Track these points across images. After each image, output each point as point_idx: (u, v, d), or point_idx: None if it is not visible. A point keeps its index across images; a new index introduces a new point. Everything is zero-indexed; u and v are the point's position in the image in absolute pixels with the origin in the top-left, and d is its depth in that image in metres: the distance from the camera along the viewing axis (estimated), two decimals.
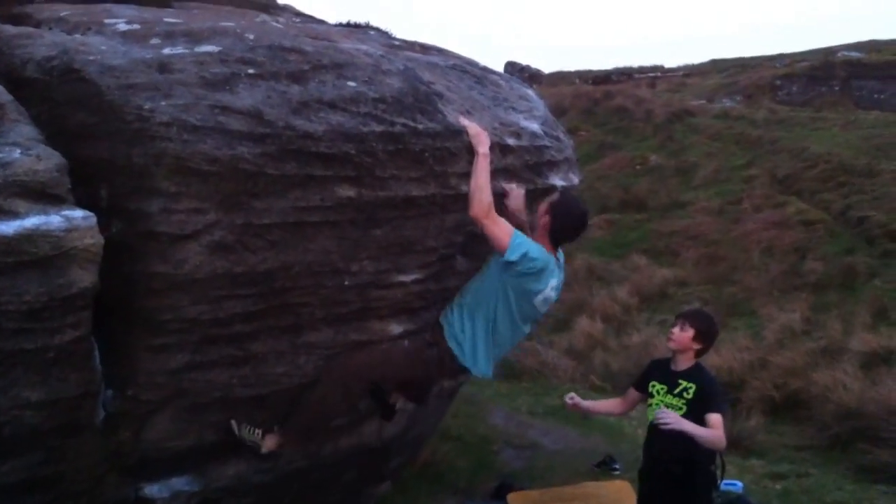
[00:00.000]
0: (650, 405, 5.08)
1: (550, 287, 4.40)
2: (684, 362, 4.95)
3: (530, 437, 8.81)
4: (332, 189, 3.79)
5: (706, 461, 5.00)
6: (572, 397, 5.39)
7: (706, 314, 5.31)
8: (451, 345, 4.40)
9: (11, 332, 3.07)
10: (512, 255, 4.15)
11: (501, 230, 4.16)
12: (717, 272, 17.43)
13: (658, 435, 4.98)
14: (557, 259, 4.48)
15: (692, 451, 4.86)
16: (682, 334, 4.93)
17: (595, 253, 19.59)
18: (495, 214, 4.18)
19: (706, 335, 4.96)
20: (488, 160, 4.25)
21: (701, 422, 4.74)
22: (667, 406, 4.88)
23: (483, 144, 4.27)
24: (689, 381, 4.88)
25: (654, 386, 5.07)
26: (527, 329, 4.60)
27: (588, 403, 5.50)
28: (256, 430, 4.26)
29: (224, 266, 3.59)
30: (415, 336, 4.57)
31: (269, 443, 4.31)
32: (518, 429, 9.10)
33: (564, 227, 4.43)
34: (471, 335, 4.40)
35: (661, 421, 4.60)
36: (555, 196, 4.55)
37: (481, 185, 4.16)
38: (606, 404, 5.66)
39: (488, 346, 4.43)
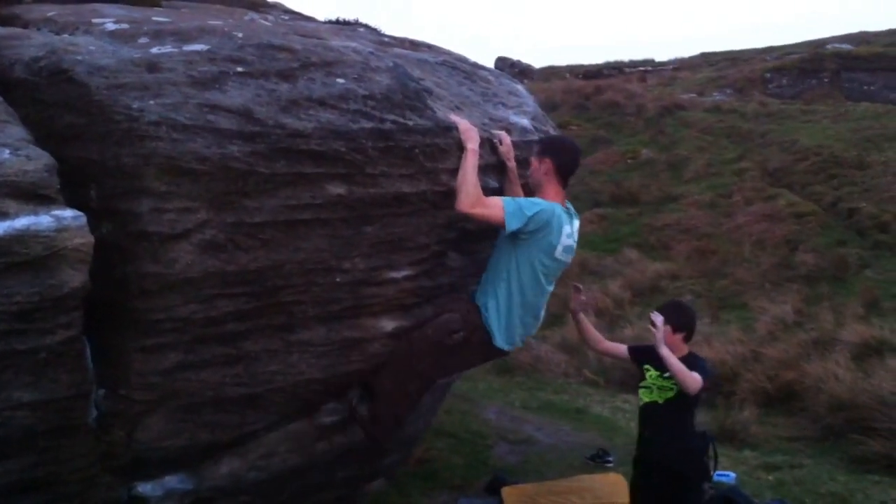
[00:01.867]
0: (642, 387, 5.18)
1: (566, 235, 4.42)
2: (676, 353, 5.00)
3: (524, 432, 8.82)
4: (323, 187, 3.80)
5: (697, 450, 5.06)
6: (578, 289, 5.47)
7: (677, 304, 5.56)
8: (493, 327, 4.47)
9: (2, 333, 3.06)
10: (513, 224, 4.21)
11: (492, 209, 4.22)
12: (708, 265, 17.47)
13: (648, 420, 5.06)
14: (567, 207, 4.52)
15: (682, 437, 4.93)
16: (665, 328, 5.02)
17: (587, 247, 19.59)
18: (483, 199, 4.21)
19: (682, 325, 5.10)
20: (476, 156, 4.28)
21: (690, 402, 5.00)
22: (658, 388, 5.03)
23: (472, 140, 4.29)
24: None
25: (648, 370, 5.20)
26: (551, 287, 4.61)
27: (584, 320, 5.56)
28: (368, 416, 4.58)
29: (216, 265, 3.59)
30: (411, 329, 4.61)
31: (377, 432, 4.66)
32: (512, 424, 9.12)
33: (564, 160, 4.53)
34: (499, 308, 4.46)
35: (653, 320, 4.96)
36: (538, 146, 4.66)
37: (466, 179, 4.20)
38: (593, 333, 5.65)
39: (518, 316, 4.47)
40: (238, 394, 4.06)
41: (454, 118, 4.36)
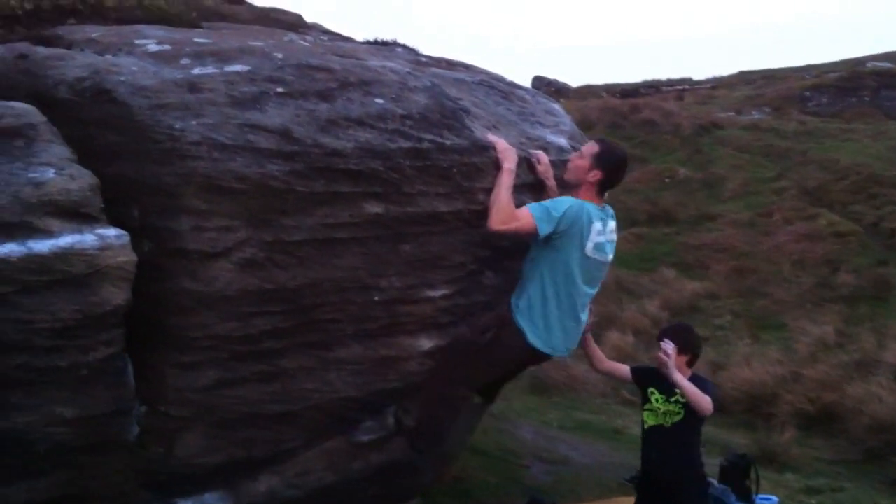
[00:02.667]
0: (646, 409, 5.15)
1: (596, 232, 4.38)
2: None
3: (560, 452, 8.76)
4: (360, 205, 3.82)
5: (699, 463, 5.03)
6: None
7: (680, 326, 5.53)
8: (522, 324, 4.43)
9: (45, 349, 3.11)
10: (545, 228, 4.22)
11: (522, 220, 4.25)
12: (747, 285, 17.29)
13: (655, 444, 5.03)
14: (602, 208, 4.51)
15: (691, 459, 4.90)
16: (665, 354, 4.97)
17: (624, 266, 19.46)
18: (514, 213, 4.24)
19: (686, 346, 5.04)
20: (512, 176, 4.30)
21: (697, 424, 4.97)
22: (665, 413, 5.00)
23: (509, 160, 4.30)
24: None
25: (652, 393, 5.13)
26: (591, 290, 4.56)
27: (589, 339, 5.38)
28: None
29: (254, 283, 3.62)
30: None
31: (419, 443, 4.78)
32: (547, 443, 9.06)
33: (615, 176, 4.56)
34: (531, 307, 4.43)
35: (662, 350, 4.84)
36: (594, 147, 4.56)
37: (500, 197, 4.23)
38: (597, 353, 5.53)
39: (556, 318, 4.43)
40: (274, 411, 4.08)
41: (492, 138, 4.37)
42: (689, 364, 5.06)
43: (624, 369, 5.49)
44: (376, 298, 4.15)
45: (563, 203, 4.29)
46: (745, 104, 33.78)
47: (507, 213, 4.22)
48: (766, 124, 29.28)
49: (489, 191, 4.32)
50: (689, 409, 4.89)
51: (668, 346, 4.87)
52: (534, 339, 4.46)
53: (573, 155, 4.65)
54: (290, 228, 3.64)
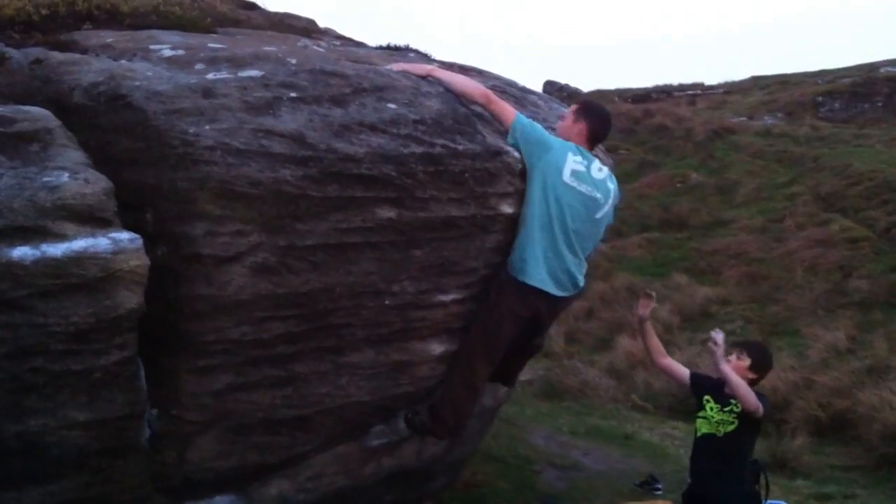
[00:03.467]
0: (699, 418, 5.13)
1: (574, 161, 4.42)
2: None
3: (572, 458, 8.75)
4: (373, 211, 3.83)
5: (747, 480, 5.00)
6: (650, 296, 5.40)
7: (763, 347, 5.47)
8: (507, 268, 4.48)
9: (59, 353, 3.13)
10: (521, 120, 4.41)
11: (508, 110, 4.48)
12: (759, 291, 17.22)
13: (705, 453, 4.99)
14: (593, 155, 4.62)
15: (740, 472, 4.87)
16: (739, 363, 5.02)
17: (636, 272, 19.47)
18: (494, 95, 4.51)
19: (761, 366, 5.05)
20: (444, 70, 4.59)
21: (749, 429, 4.95)
22: (717, 422, 4.98)
23: (424, 66, 4.57)
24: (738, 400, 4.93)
25: (707, 401, 5.13)
26: (576, 225, 4.47)
27: (650, 330, 5.48)
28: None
29: (267, 288, 3.63)
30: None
31: (440, 431, 4.73)
32: (560, 449, 9.05)
33: (599, 128, 4.68)
34: (520, 242, 4.44)
35: (713, 338, 4.90)
36: (574, 106, 4.81)
37: (457, 80, 4.52)
38: (657, 344, 5.55)
39: (542, 249, 4.39)
40: (288, 415, 4.09)
41: (396, 66, 4.52)
42: (751, 384, 5.02)
43: (683, 372, 5.46)
44: (389, 303, 4.16)
45: (538, 126, 4.49)
46: (757, 109, 33.69)
47: (477, 86, 4.52)
48: (778, 130, 29.18)
49: (502, 196, 4.33)
50: (742, 419, 4.90)
51: (718, 336, 4.88)
52: (512, 272, 4.44)
53: (558, 123, 4.74)
54: (304, 233, 3.65)
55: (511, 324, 4.54)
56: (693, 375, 5.41)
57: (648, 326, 5.42)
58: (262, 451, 4.12)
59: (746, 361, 4.99)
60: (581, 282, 4.64)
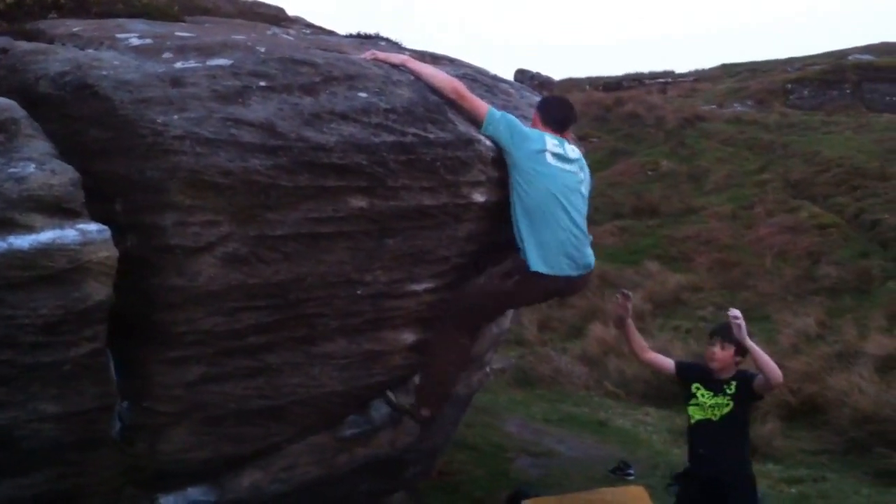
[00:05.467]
0: (691, 405, 5.14)
1: (552, 144, 4.47)
2: (726, 373, 5.00)
3: (546, 445, 8.79)
4: (345, 200, 3.82)
5: (750, 460, 5.04)
6: (627, 296, 5.39)
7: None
8: (527, 260, 4.43)
9: (28, 345, 3.09)
10: (494, 113, 4.42)
11: (479, 102, 4.48)
12: (730, 277, 17.37)
13: (703, 438, 5.00)
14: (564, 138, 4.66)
15: (742, 451, 4.90)
16: (724, 353, 5.00)
17: (608, 260, 19.52)
18: (465, 88, 4.50)
19: (743, 349, 5.00)
20: (416, 61, 4.56)
21: (745, 409, 5.00)
22: (712, 406, 5.01)
23: (397, 56, 4.56)
24: (731, 381, 4.98)
25: (697, 388, 5.12)
26: (569, 204, 4.49)
27: (631, 328, 5.48)
28: (411, 403, 4.60)
29: (238, 278, 3.61)
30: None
31: (423, 412, 4.67)
32: (533, 436, 9.08)
33: (551, 112, 4.72)
34: (521, 231, 4.43)
35: (732, 314, 4.84)
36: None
37: (431, 76, 4.47)
38: (639, 341, 5.54)
39: (540, 232, 4.40)
40: (260, 406, 4.08)
41: (367, 55, 4.51)
42: (738, 365, 5.08)
43: (668, 363, 5.45)
44: (361, 293, 4.15)
45: (512, 123, 4.48)
46: (728, 97, 33.91)
47: (451, 81, 4.47)
48: (749, 117, 29.40)
49: (474, 184, 4.33)
50: (738, 401, 4.92)
51: (737, 312, 4.88)
52: (529, 264, 4.42)
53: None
54: (275, 223, 3.63)
55: (531, 300, 4.73)
56: (678, 365, 5.41)
57: (630, 324, 5.44)
58: (235, 442, 4.10)
59: (731, 350, 4.98)
60: (591, 258, 4.69)
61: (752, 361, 4.92)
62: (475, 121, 4.42)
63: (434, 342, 4.62)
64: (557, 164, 4.44)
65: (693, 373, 5.23)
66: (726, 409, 4.94)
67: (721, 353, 5.00)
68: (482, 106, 4.45)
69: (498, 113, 4.44)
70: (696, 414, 5.09)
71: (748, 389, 4.92)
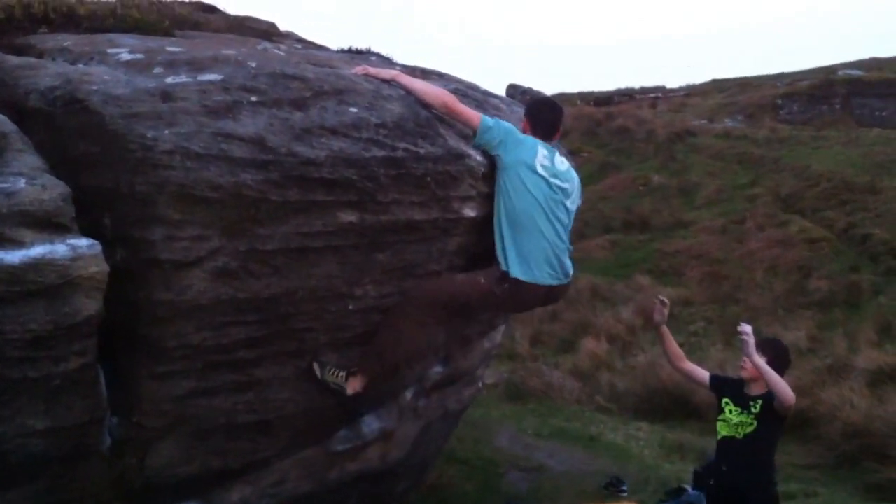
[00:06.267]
0: (720, 420, 5.18)
1: (543, 154, 4.46)
2: (758, 388, 5.02)
3: (537, 459, 8.78)
4: (335, 214, 3.82)
5: (775, 481, 5.03)
6: (664, 303, 5.41)
7: (778, 342, 5.44)
8: (505, 265, 4.39)
9: (17, 360, 3.08)
10: (488, 122, 4.41)
11: (470, 112, 4.48)
12: (721, 291, 17.40)
13: (726, 455, 5.01)
14: (552, 146, 4.65)
15: (763, 471, 4.89)
16: (751, 366, 4.98)
17: (599, 273, 19.58)
18: (457, 100, 4.49)
19: (779, 361, 5.01)
20: (406, 76, 4.53)
21: (769, 430, 4.98)
22: (737, 424, 5.03)
23: (386, 72, 4.54)
24: (758, 399, 4.98)
25: (727, 404, 5.17)
26: (553, 216, 4.48)
27: (667, 334, 5.51)
28: (340, 373, 4.25)
29: (228, 292, 3.60)
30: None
31: (352, 384, 4.26)
32: (524, 451, 9.08)
33: (540, 118, 4.74)
34: (502, 237, 4.41)
35: (741, 329, 4.91)
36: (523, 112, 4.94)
37: (422, 88, 4.47)
38: (676, 349, 5.57)
39: (518, 241, 4.39)
40: (250, 420, 4.07)
41: (358, 70, 4.51)
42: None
43: (703, 374, 5.47)
44: (352, 307, 4.15)
45: (504, 122, 4.54)
46: (718, 112, 34.07)
47: (443, 93, 4.48)
48: (739, 132, 29.55)
49: (464, 199, 4.34)
50: (762, 420, 4.93)
51: (747, 328, 4.91)
52: (508, 270, 4.38)
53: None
54: (264, 237, 3.63)
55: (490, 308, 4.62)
56: (713, 378, 5.42)
57: (665, 331, 5.45)
58: (223, 456, 4.09)
59: (763, 359, 4.97)
60: (571, 268, 4.66)
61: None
62: (469, 131, 4.43)
63: (396, 312, 4.35)
64: (546, 175, 4.44)
65: (726, 387, 5.25)
66: (750, 429, 4.96)
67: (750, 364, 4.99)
68: (474, 115, 4.44)
69: (491, 120, 4.44)
70: (722, 430, 5.11)
71: (771, 409, 4.91)
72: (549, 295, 4.62)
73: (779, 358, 5.05)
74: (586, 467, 8.63)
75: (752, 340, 4.87)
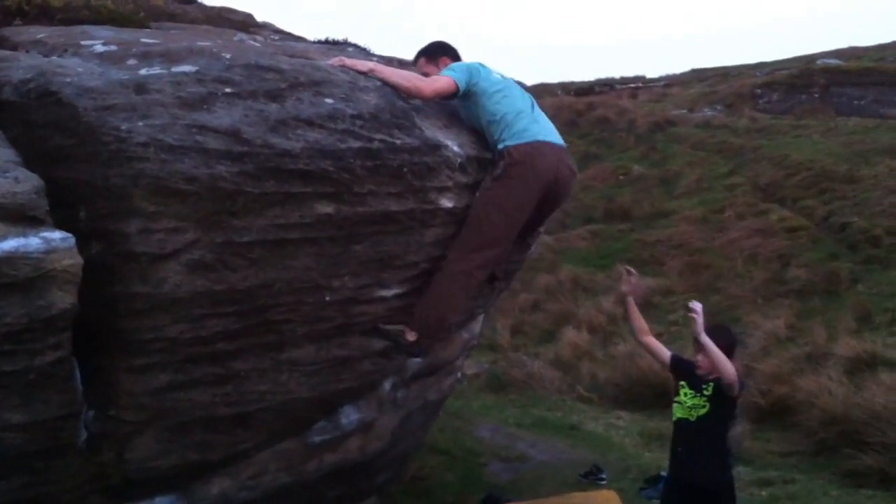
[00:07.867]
0: (675, 402, 5.20)
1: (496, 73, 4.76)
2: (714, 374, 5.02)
3: (518, 450, 8.82)
4: (311, 206, 3.81)
5: (729, 465, 5.07)
6: (630, 272, 5.44)
7: (722, 329, 5.42)
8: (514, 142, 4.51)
9: None
10: (463, 78, 4.55)
11: (442, 81, 4.55)
12: (701, 280, 17.47)
13: (680, 437, 5.04)
14: None
15: (715, 455, 4.92)
16: (707, 360, 5.01)
17: (580, 264, 19.63)
18: (429, 80, 4.56)
19: (728, 350, 5.04)
20: (382, 66, 4.57)
21: (721, 413, 5.02)
22: (689, 407, 5.05)
23: (361, 64, 4.52)
24: (710, 382, 5.02)
25: (683, 386, 5.19)
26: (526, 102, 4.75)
27: (633, 306, 5.50)
28: (397, 326, 4.48)
29: (204, 285, 3.60)
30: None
31: (409, 335, 4.48)
32: (505, 441, 9.11)
33: (448, 49, 5.02)
34: (500, 132, 4.54)
35: (691, 306, 5.01)
36: (422, 60, 5.04)
37: (395, 74, 4.48)
38: (641, 323, 5.52)
39: (533, 115, 4.64)
40: (228, 413, 4.07)
41: (335, 61, 4.48)
42: None
43: (664, 353, 5.47)
44: (329, 299, 4.14)
45: (464, 63, 4.76)
46: (698, 101, 34.16)
47: (418, 79, 4.53)
48: (718, 121, 29.64)
49: (441, 190, 4.33)
50: (714, 404, 4.96)
51: (697, 305, 4.96)
52: (518, 144, 4.48)
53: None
54: (241, 229, 3.62)
55: (531, 198, 4.55)
56: (673, 358, 5.41)
57: (631, 301, 5.45)
58: (202, 449, 4.09)
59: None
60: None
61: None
62: (449, 94, 4.54)
63: (438, 278, 4.49)
64: (505, 78, 4.79)
65: (684, 368, 5.26)
66: (702, 411, 4.98)
67: (705, 361, 5.02)
68: (445, 81, 4.53)
69: (455, 72, 4.57)
70: (677, 411, 5.14)
71: (721, 391, 4.94)
72: (560, 167, 4.61)
73: (727, 346, 5.07)
74: (567, 457, 8.67)
75: (700, 319, 4.91)
